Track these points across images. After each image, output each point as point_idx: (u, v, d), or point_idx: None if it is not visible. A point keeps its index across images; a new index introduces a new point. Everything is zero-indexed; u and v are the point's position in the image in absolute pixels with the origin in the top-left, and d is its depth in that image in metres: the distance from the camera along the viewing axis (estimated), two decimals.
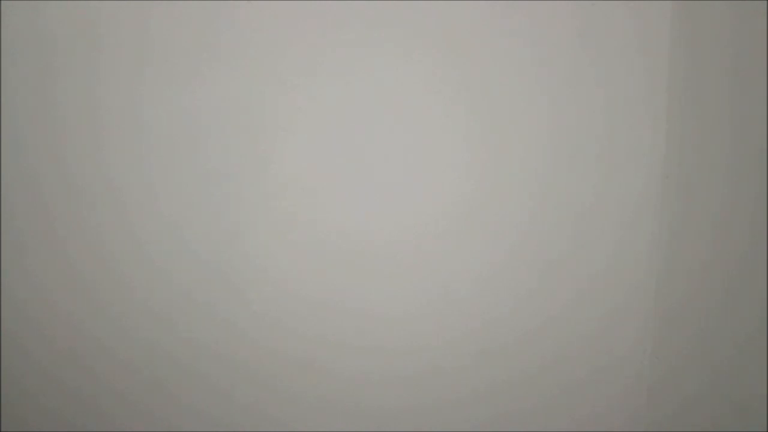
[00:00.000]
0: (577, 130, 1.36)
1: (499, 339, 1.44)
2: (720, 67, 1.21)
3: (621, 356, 1.40)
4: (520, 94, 1.37)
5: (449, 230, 1.43)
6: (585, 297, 1.40)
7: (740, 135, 1.17)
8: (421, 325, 1.47)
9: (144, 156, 1.54)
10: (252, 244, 1.51)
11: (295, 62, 1.44)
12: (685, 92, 1.29)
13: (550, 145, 1.37)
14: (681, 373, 1.32)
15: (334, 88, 1.43)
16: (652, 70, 1.32)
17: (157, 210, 1.55)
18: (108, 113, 1.54)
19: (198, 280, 1.54)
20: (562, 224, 1.39)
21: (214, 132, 1.49)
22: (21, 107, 1.59)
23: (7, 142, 1.61)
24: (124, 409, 1.63)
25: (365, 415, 1.51)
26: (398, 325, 1.47)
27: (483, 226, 1.42)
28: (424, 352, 1.47)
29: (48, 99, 1.57)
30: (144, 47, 1.50)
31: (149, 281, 1.57)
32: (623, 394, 1.41)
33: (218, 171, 1.50)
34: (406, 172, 1.43)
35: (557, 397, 1.43)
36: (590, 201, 1.37)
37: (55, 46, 1.55)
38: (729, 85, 1.19)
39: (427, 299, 1.46)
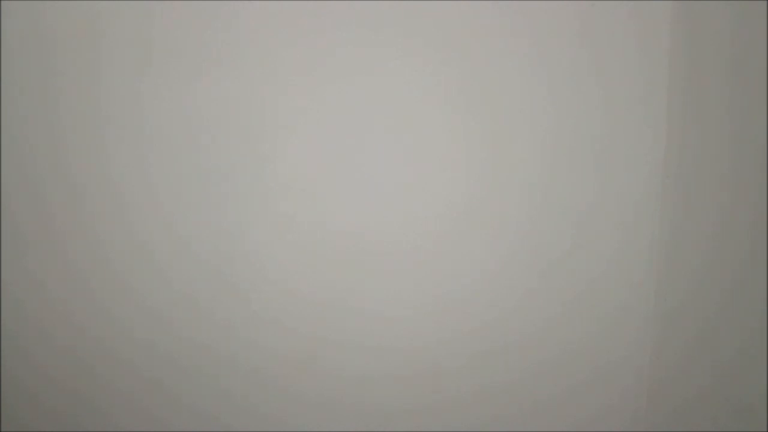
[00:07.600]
0: (576, 130, 1.36)
1: (499, 339, 1.44)
2: (720, 67, 1.21)
3: (621, 356, 1.40)
4: (520, 94, 1.37)
5: (449, 230, 1.43)
6: (585, 297, 1.40)
7: (740, 135, 1.16)
8: (421, 325, 1.46)
9: (144, 156, 1.54)
10: (252, 243, 1.51)
11: (295, 62, 1.44)
12: (685, 92, 1.29)
13: (550, 145, 1.37)
14: (681, 373, 1.32)
15: (334, 88, 1.43)
16: (652, 70, 1.32)
17: (157, 210, 1.55)
18: (108, 113, 1.54)
19: (198, 280, 1.54)
20: (562, 224, 1.39)
21: (214, 132, 1.49)
22: (21, 107, 1.59)
23: (7, 142, 1.61)
24: (124, 409, 1.63)
25: (365, 415, 1.51)
26: (398, 325, 1.47)
27: (483, 227, 1.41)
28: (424, 352, 1.47)
29: (48, 99, 1.57)
30: (144, 47, 1.50)
31: (149, 281, 1.57)
32: (623, 395, 1.41)
33: (218, 171, 1.51)
34: (406, 171, 1.43)
35: (557, 397, 1.43)
36: (590, 201, 1.37)
37: (55, 46, 1.55)
38: (729, 85, 1.19)
39: (427, 299, 1.46)
